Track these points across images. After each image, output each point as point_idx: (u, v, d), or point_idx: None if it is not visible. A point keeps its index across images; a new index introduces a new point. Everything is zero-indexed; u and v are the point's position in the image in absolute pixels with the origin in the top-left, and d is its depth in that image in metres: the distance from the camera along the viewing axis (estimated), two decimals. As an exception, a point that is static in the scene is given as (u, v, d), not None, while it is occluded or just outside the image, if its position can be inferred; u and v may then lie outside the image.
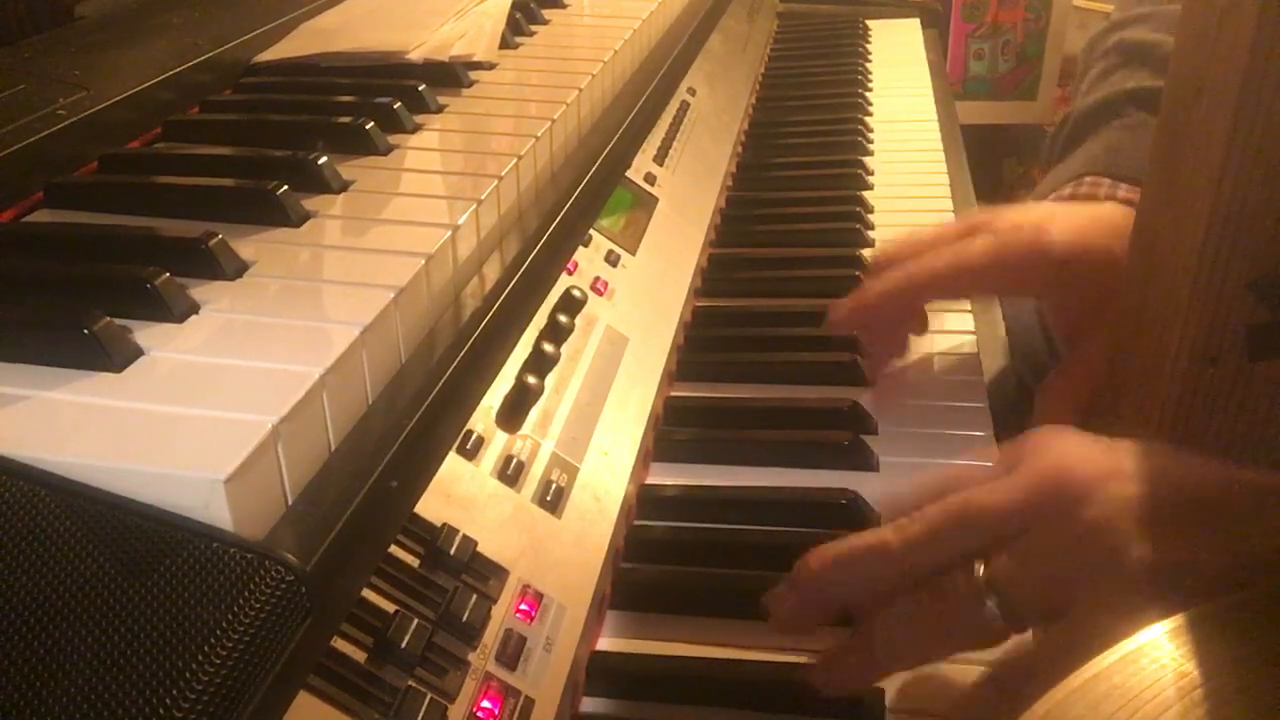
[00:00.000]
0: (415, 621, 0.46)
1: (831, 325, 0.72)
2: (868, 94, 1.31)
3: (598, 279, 0.74)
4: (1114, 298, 0.65)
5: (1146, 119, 0.76)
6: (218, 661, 0.34)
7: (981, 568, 0.47)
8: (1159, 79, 0.78)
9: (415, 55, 0.80)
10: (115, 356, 0.43)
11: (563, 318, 0.67)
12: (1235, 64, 0.46)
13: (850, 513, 0.65)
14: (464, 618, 0.48)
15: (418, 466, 0.49)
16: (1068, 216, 0.69)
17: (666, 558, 0.64)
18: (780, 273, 0.93)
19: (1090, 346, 0.67)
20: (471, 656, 0.48)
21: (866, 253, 0.93)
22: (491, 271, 0.60)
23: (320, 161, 0.61)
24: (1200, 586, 0.42)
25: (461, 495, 0.53)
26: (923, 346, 0.78)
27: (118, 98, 0.67)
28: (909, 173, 1.11)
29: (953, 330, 0.80)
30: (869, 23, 1.57)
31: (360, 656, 0.44)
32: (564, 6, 1.03)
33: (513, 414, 0.59)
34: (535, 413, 0.61)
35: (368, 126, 0.66)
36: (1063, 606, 0.46)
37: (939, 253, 0.69)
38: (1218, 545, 0.44)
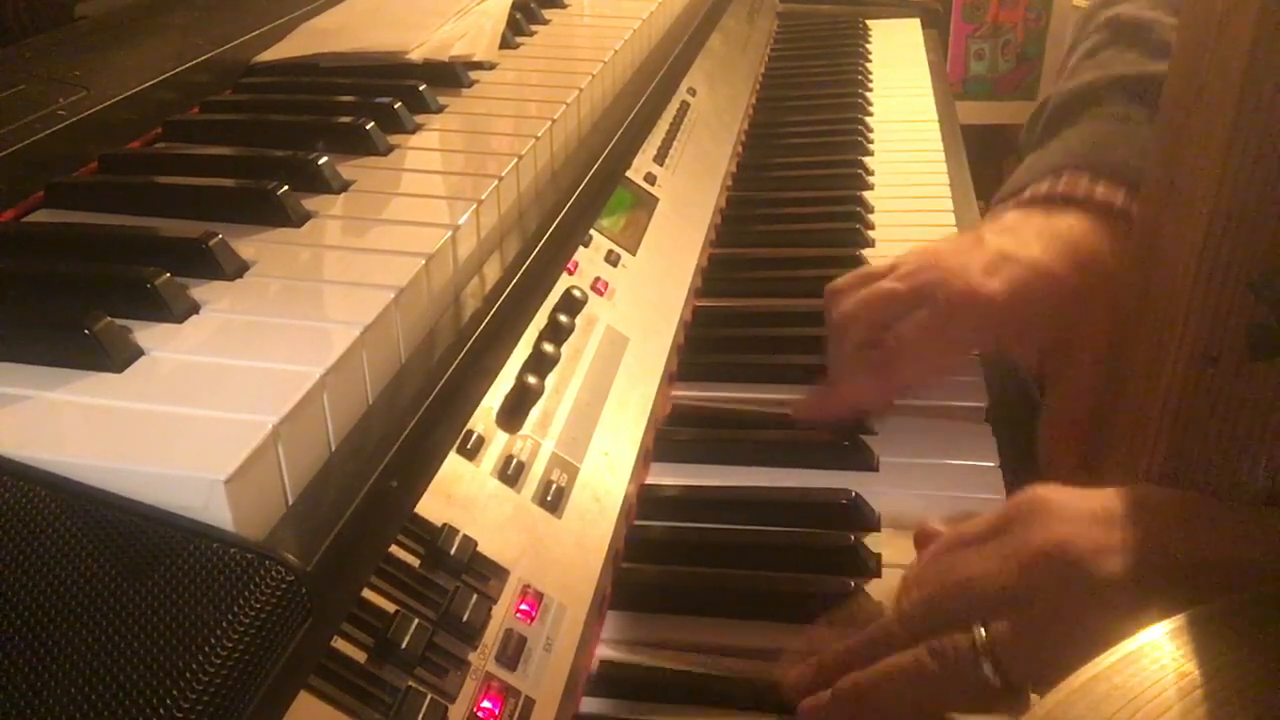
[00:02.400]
0: (416, 622, 0.46)
1: (796, 418, 0.73)
2: (868, 94, 1.31)
3: (598, 279, 0.74)
4: (1080, 326, 0.66)
5: (1131, 111, 0.74)
6: (218, 662, 0.34)
7: (981, 631, 0.48)
8: (1148, 62, 0.77)
9: (415, 55, 0.80)
10: (115, 356, 0.43)
11: (563, 318, 0.67)
12: (1235, 64, 0.46)
13: (850, 513, 0.65)
14: (464, 618, 0.48)
15: (418, 467, 0.49)
16: (1014, 256, 0.67)
17: (666, 558, 0.64)
18: (780, 273, 0.93)
19: (1070, 378, 0.67)
20: (472, 657, 0.48)
21: (866, 253, 0.93)
22: (492, 271, 0.60)
23: (320, 161, 0.61)
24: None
25: (462, 495, 0.53)
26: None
27: (118, 98, 0.67)
28: (909, 173, 1.11)
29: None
30: (869, 23, 1.57)
31: (361, 657, 0.44)
32: (564, 6, 1.03)
33: (513, 414, 0.59)
34: (535, 413, 0.61)
35: (368, 126, 0.66)
36: (1056, 674, 0.46)
37: (882, 366, 0.69)
38: (1215, 587, 0.44)
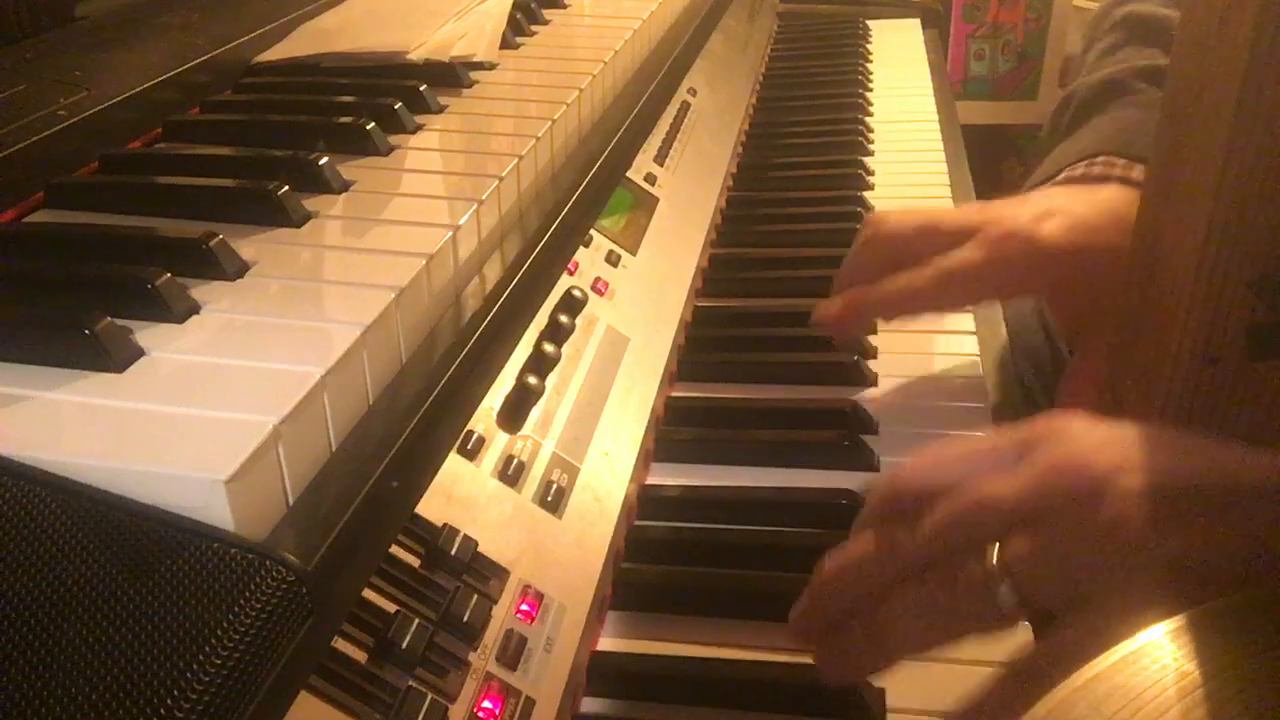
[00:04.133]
0: (416, 622, 0.46)
1: (817, 324, 0.71)
2: (868, 94, 1.31)
3: (598, 279, 0.74)
4: (1117, 289, 0.65)
5: (1157, 97, 0.74)
6: (219, 662, 0.34)
7: (995, 551, 0.47)
8: (1166, 58, 0.77)
9: (416, 55, 0.80)
10: (116, 357, 0.43)
11: (563, 318, 0.67)
12: (1235, 64, 0.46)
13: (850, 513, 0.64)
14: (465, 618, 0.48)
15: (418, 467, 0.49)
16: (1065, 210, 0.67)
17: (667, 558, 0.64)
18: (781, 273, 0.93)
19: (1099, 340, 0.66)
20: (472, 657, 0.48)
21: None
22: (492, 272, 0.60)
23: (321, 162, 0.61)
24: (1212, 577, 0.41)
25: (462, 495, 0.53)
26: (924, 347, 0.78)
27: (118, 98, 0.67)
28: (909, 173, 1.11)
29: (953, 330, 0.80)
30: (869, 23, 1.57)
31: (361, 657, 0.44)
32: (564, 7, 1.03)
33: (513, 414, 0.59)
34: (536, 413, 0.61)
35: (368, 127, 0.66)
36: (1079, 592, 0.45)
37: (927, 271, 0.67)
38: (1230, 533, 0.43)
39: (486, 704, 0.47)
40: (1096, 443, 0.47)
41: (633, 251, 0.80)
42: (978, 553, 0.47)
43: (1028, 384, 0.78)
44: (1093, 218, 0.67)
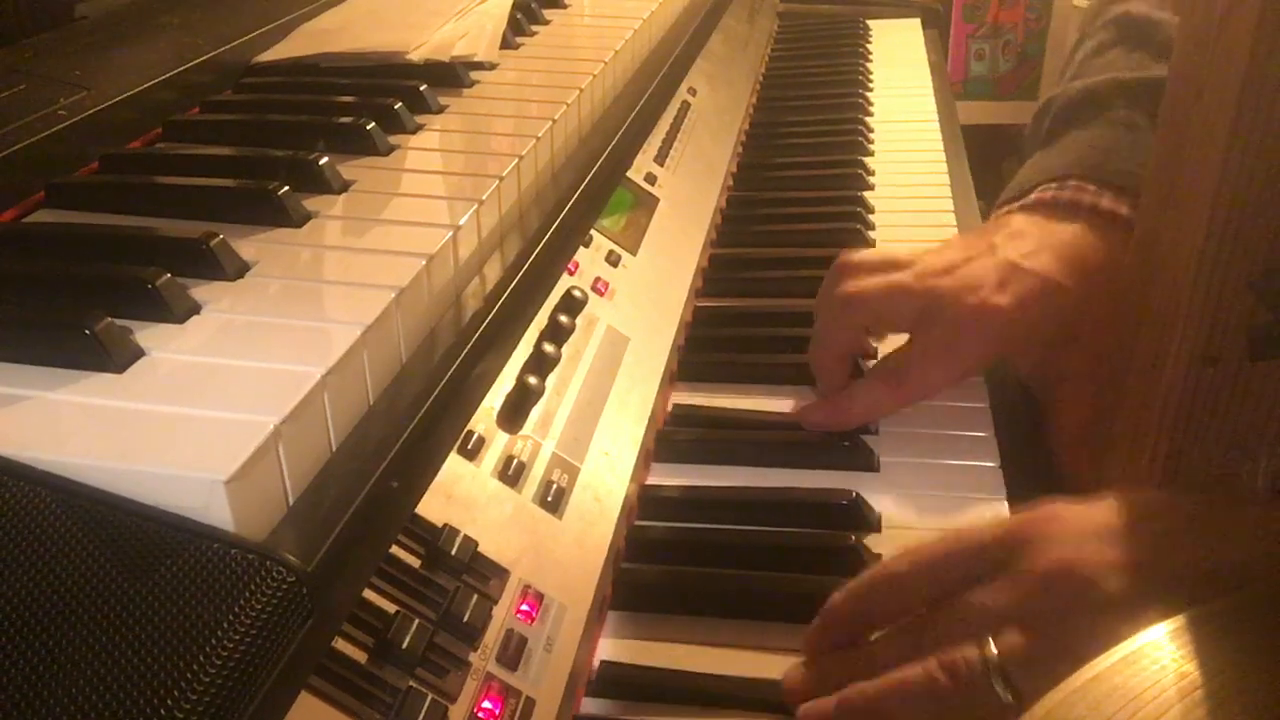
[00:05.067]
0: (416, 622, 0.46)
1: (805, 425, 0.73)
2: (868, 94, 1.31)
3: (598, 279, 0.74)
4: (1081, 333, 0.66)
5: (1136, 118, 0.74)
6: (219, 662, 0.34)
7: (991, 647, 0.48)
8: (1155, 63, 0.77)
9: (416, 55, 0.80)
10: (116, 357, 0.43)
11: (563, 318, 0.67)
12: (1235, 64, 0.46)
13: (850, 513, 0.65)
14: (465, 618, 0.48)
15: (419, 467, 0.49)
16: (1027, 269, 0.67)
17: (667, 558, 0.64)
18: (781, 273, 0.93)
19: (1073, 384, 0.68)
20: (472, 657, 0.48)
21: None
22: (492, 272, 0.60)
23: (321, 162, 0.61)
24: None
25: (462, 496, 0.53)
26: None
27: (118, 98, 0.67)
28: (909, 173, 1.11)
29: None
30: (869, 23, 1.57)
31: (361, 657, 0.44)
32: (565, 6, 1.03)
33: (514, 414, 0.59)
34: (536, 413, 0.61)
35: (368, 127, 0.66)
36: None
37: (890, 384, 0.70)
38: (1220, 589, 0.44)
39: (486, 704, 0.47)
40: (1081, 544, 0.48)
41: (633, 251, 0.80)
42: (978, 643, 0.48)
43: (1028, 384, 0.78)
44: (1054, 271, 0.67)
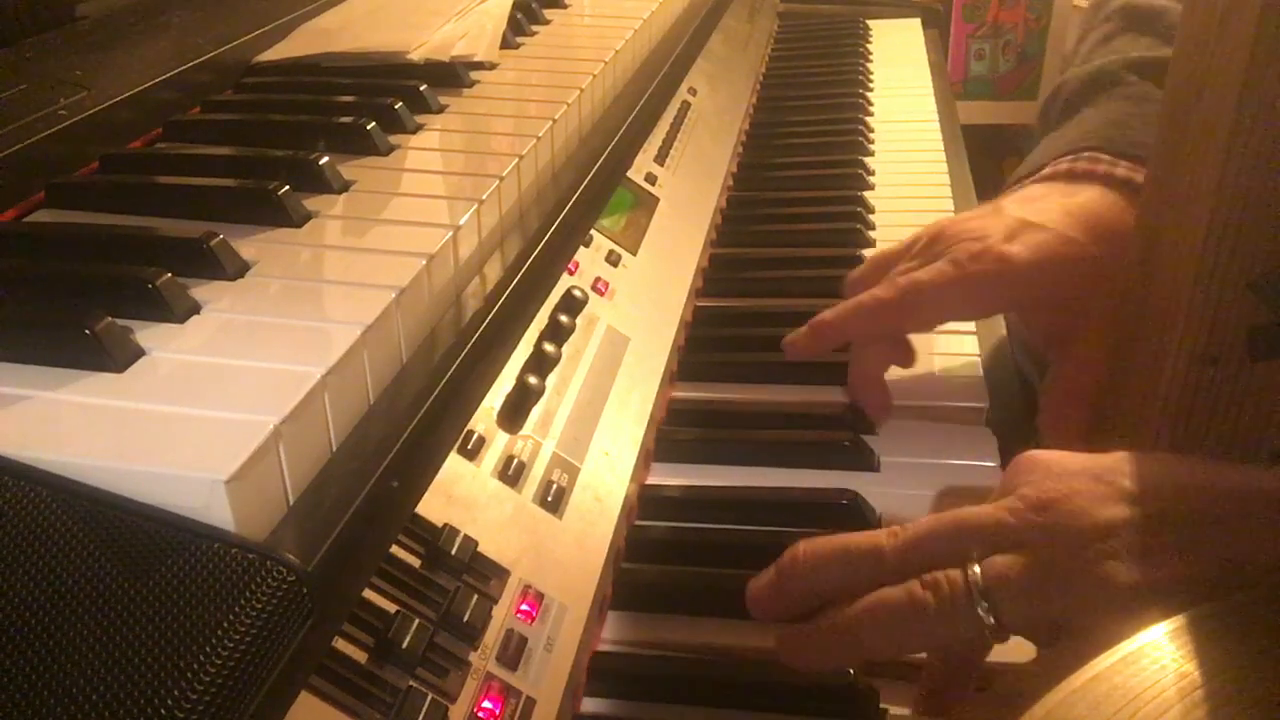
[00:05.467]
0: (416, 622, 0.46)
1: (787, 350, 0.72)
2: (868, 94, 1.31)
3: (599, 279, 0.74)
4: (1096, 296, 0.65)
5: (1149, 89, 0.73)
6: (219, 662, 0.34)
7: (976, 569, 0.47)
8: (1162, 47, 0.77)
9: (416, 55, 0.80)
10: (116, 356, 0.43)
11: (564, 318, 0.67)
12: (1235, 64, 0.46)
13: (850, 513, 0.65)
14: (465, 618, 0.48)
15: (419, 467, 0.49)
16: (1038, 223, 0.66)
17: (667, 558, 0.64)
18: (781, 273, 0.93)
19: (1080, 349, 0.66)
20: (472, 657, 0.48)
21: (866, 253, 0.93)
22: (492, 271, 0.60)
23: (321, 161, 0.61)
24: (1194, 597, 0.42)
25: (462, 495, 0.53)
26: (924, 345, 0.78)
27: (118, 98, 0.67)
28: (910, 173, 1.11)
29: (953, 330, 0.80)
30: (869, 23, 1.57)
31: (361, 657, 0.44)
32: (565, 6, 1.03)
33: (514, 414, 0.59)
34: (536, 413, 0.61)
35: (369, 126, 0.66)
36: (1053, 622, 0.46)
37: (898, 283, 0.68)
38: (1210, 557, 0.44)
39: (487, 704, 0.47)
40: (1077, 479, 0.48)
41: (633, 251, 0.80)
42: (960, 564, 0.47)
43: (1029, 381, 0.78)
44: (1068, 227, 0.66)
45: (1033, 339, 0.72)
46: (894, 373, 0.77)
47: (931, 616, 0.47)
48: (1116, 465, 0.48)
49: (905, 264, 0.70)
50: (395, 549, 0.48)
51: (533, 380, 0.61)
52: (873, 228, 0.99)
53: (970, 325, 0.82)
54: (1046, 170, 0.73)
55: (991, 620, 0.46)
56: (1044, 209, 0.68)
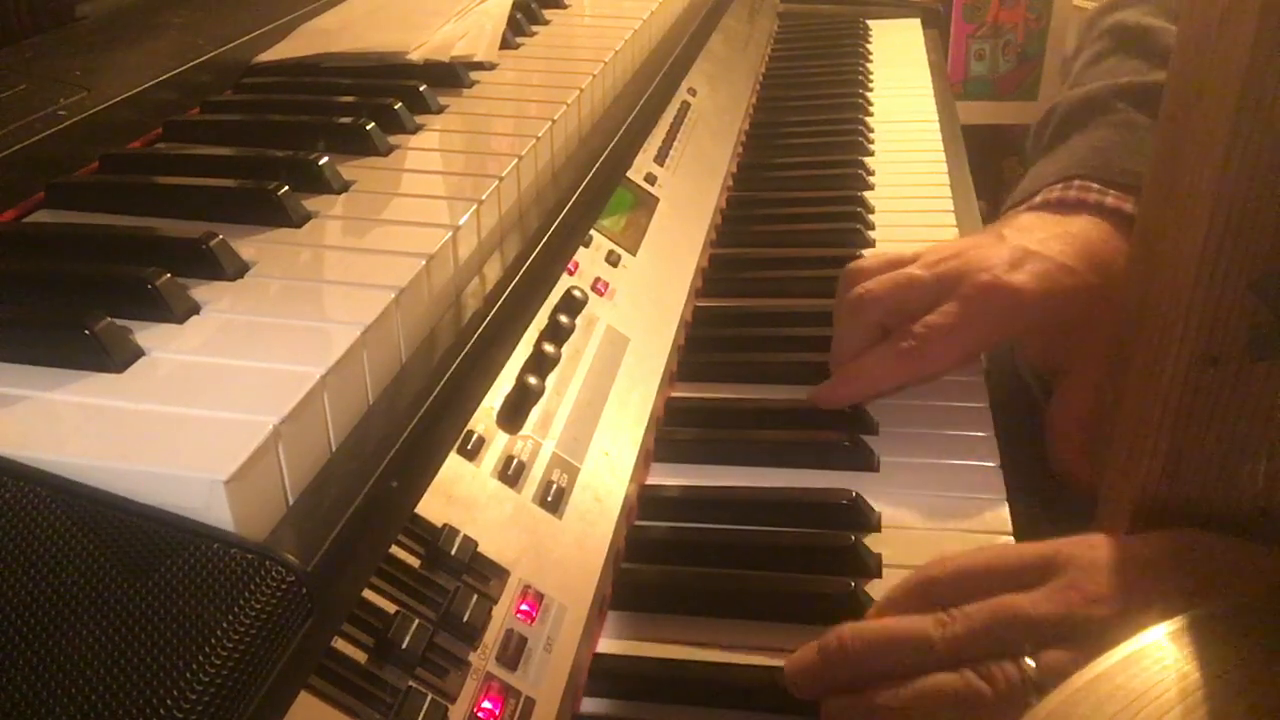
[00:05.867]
0: (416, 622, 0.46)
1: (817, 403, 0.73)
2: (868, 94, 1.31)
3: (598, 279, 0.74)
4: (1094, 323, 0.66)
5: (1136, 118, 0.75)
6: (218, 662, 0.34)
7: (1031, 663, 0.47)
8: (1151, 69, 0.78)
9: (416, 55, 0.80)
10: (116, 357, 0.43)
11: (563, 318, 0.67)
12: (1235, 64, 0.46)
13: (851, 513, 0.65)
14: (465, 618, 0.48)
15: (418, 467, 0.49)
16: (1038, 253, 0.68)
17: (667, 558, 0.64)
18: (781, 273, 0.93)
19: (1081, 377, 0.67)
20: (472, 657, 0.48)
21: (866, 253, 0.93)
22: (492, 272, 0.60)
23: (321, 162, 0.61)
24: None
25: (462, 496, 0.53)
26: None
27: (118, 98, 0.67)
28: (910, 173, 1.11)
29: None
30: (869, 23, 1.57)
31: (361, 657, 0.44)
32: (565, 7, 1.03)
33: (513, 414, 0.59)
34: (536, 413, 0.61)
35: (368, 127, 0.66)
36: None
37: (908, 343, 0.69)
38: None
39: (486, 704, 0.47)
40: (1129, 569, 0.48)
41: (633, 251, 0.80)
42: (1014, 656, 0.48)
43: (1027, 384, 0.78)
44: (1066, 258, 0.67)
45: (1033, 363, 0.73)
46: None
47: (988, 707, 0.47)
48: (1166, 560, 0.49)
49: (912, 282, 0.69)
50: (395, 549, 0.48)
51: (532, 380, 0.61)
52: (872, 228, 0.99)
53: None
54: (1038, 199, 0.74)
55: None
56: (1043, 239, 0.69)
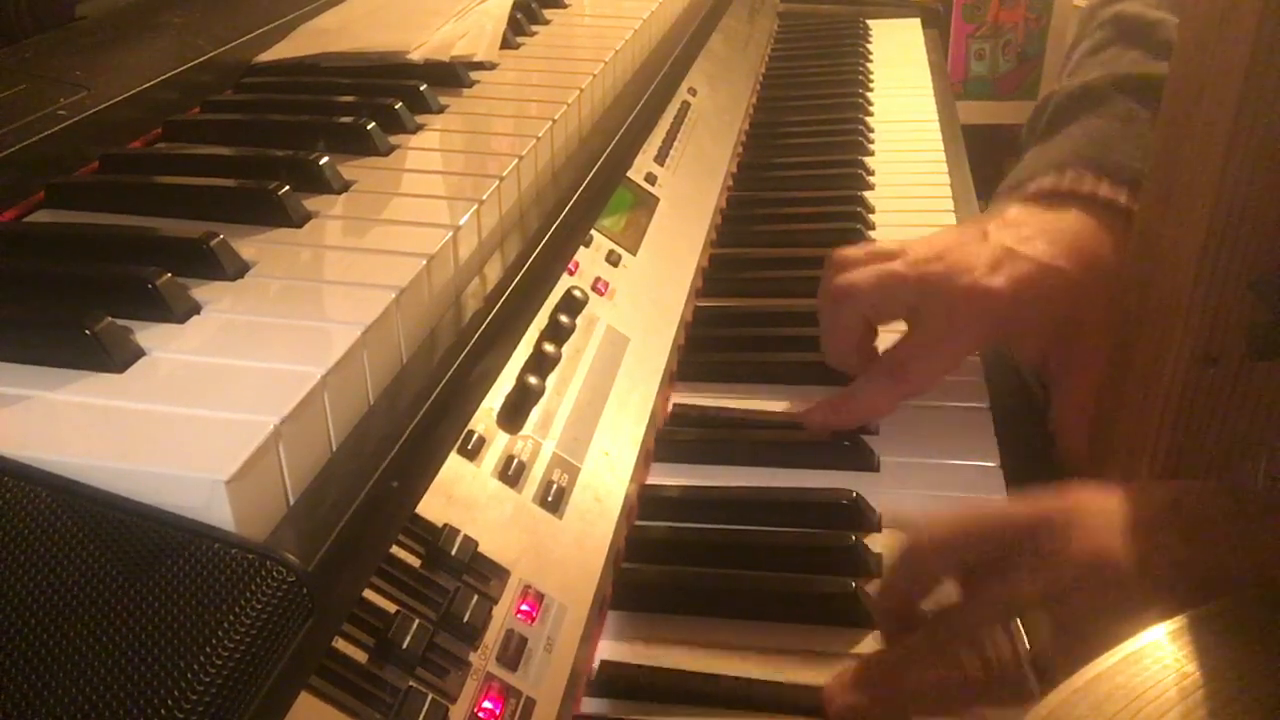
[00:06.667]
0: (416, 622, 0.46)
1: (808, 428, 0.73)
2: (868, 94, 1.31)
3: (599, 279, 0.74)
4: (1084, 321, 0.66)
5: (1134, 109, 0.74)
6: (219, 662, 0.34)
7: (1025, 642, 0.49)
8: (1150, 61, 0.77)
9: (416, 55, 0.80)
10: (116, 357, 0.43)
11: (564, 318, 0.67)
12: (1235, 64, 0.46)
13: (851, 513, 0.65)
14: (465, 618, 0.48)
15: (419, 467, 0.49)
16: (1021, 253, 0.67)
17: (667, 558, 0.64)
18: (781, 273, 0.93)
19: (1077, 374, 0.68)
20: (473, 657, 0.48)
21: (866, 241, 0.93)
22: (492, 272, 0.60)
23: (321, 162, 0.61)
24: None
25: (463, 496, 0.53)
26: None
27: (119, 98, 0.67)
28: (910, 173, 1.11)
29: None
30: (869, 23, 1.57)
31: (361, 657, 0.44)
32: (565, 6, 1.03)
33: (514, 414, 0.59)
34: (536, 413, 0.61)
35: (369, 127, 0.66)
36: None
37: (888, 378, 0.69)
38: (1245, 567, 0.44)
39: (487, 704, 0.47)
40: (1114, 534, 0.48)
41: (633, 251, 0.80)
42: (1010, 634, 0.49)
43: (1028, 383, 0.78)
44: (1050, 256, 0.67)
45: (1030, 361, 0.73)
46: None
47: (980, 683, 0.50)
48: (1156, 515, 0.49)
49: (896, 280, 0.70)
50: (395, 549, 0.48)
51: (533, 380, 0.61)
52: (872, 228, 0.99)
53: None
54: (1031, 188, 0.74)
55: (1039, 690, 0.48)
56: (1027, 236, 0.69)
